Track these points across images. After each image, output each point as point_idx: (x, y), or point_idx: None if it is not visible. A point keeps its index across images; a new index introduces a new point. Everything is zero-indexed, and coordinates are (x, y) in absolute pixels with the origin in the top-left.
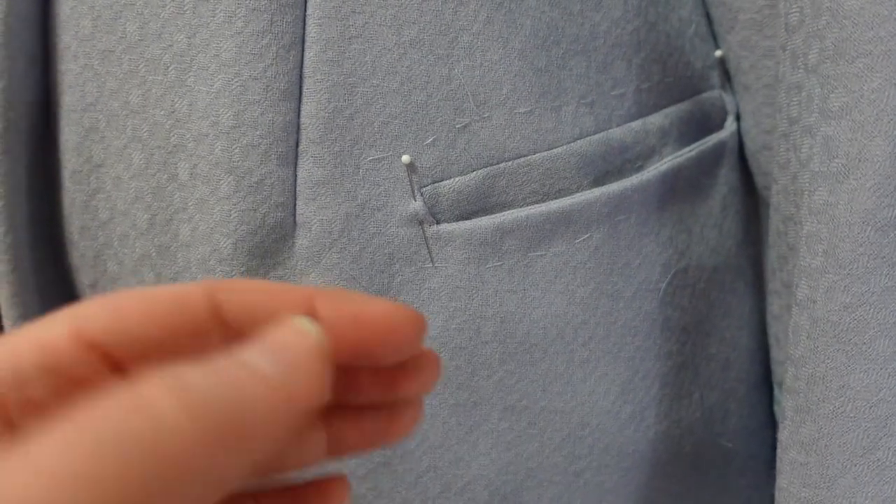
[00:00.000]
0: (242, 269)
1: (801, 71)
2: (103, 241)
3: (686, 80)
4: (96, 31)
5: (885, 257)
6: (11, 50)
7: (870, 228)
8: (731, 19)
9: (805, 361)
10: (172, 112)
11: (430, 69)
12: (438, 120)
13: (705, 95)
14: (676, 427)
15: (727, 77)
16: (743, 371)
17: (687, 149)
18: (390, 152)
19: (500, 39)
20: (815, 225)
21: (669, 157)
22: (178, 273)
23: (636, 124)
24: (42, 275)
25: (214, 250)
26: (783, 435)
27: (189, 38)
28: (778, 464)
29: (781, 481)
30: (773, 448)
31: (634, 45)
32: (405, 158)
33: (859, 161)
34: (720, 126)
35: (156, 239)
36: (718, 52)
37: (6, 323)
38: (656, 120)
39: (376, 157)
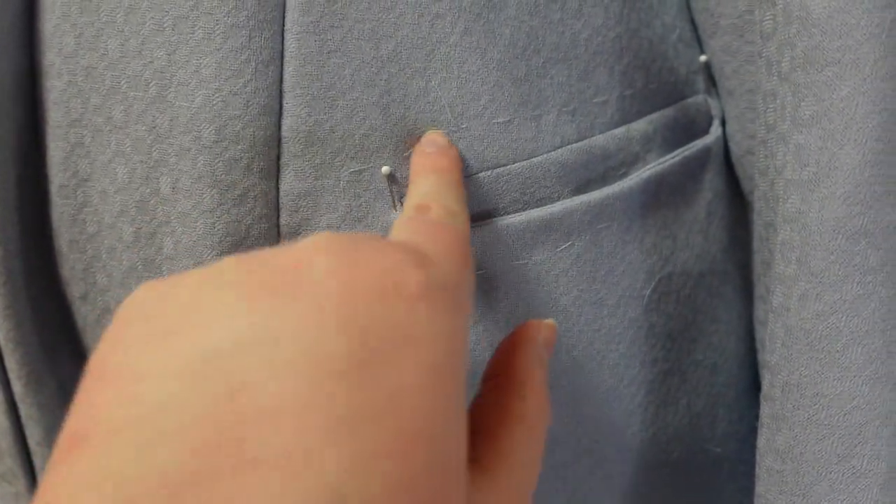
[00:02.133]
0: None
1: (775, 78)
2: (92, 253)
3: (670, 86)
4: (79, 48)
5: (856, 265)
6: (0, 68)
7: (841, 237)
8: (713, 24)
9: (780, 369)
10: (154, 127)
11: (408, 82)
12: (417, 131)
13: (690, 101)
14: (663, 433)
15: (712, 82)
16: (731, 376)
17: (670, 155)
18: (371, 164)
19: (477, 50)
20: (788, 233)
21: (652, 164)
22: None
23: (619, 131)
24: (33, 287)
25: (198, 263)
26: (760, 442)
27: (169, 54)
28: (756, 470)
29: (759, 488)
30: None
31: (616, 52)
32: (385, 169)
33: (830, 169)
34: (706, 131)
35: (141, 252)
36: (703, 57)
37: (0, 334)
38: (640, 126)
39: (357, 168)
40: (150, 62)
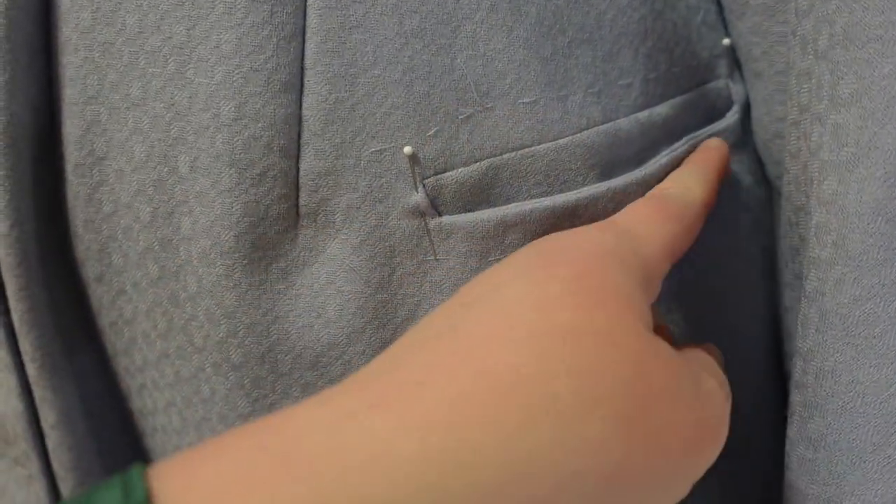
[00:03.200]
0: (244, 261)
1: (810, 57)
2: (108, 233)
3: (693, 70)
4: (96, 23)
5: (895, 248)
6: (14, 42)
7: (880, 219)
8: (743, 5)
9: (813, 355)
10: (172, 104)
11: (433, 59)
12: (441, 111)
13: (710, 86)
14: None
15: (736, 65)
16: (756, 364)
17: (688, 136)
18: (392, 144)
19: (504, 28)
20: (824, 215)
21: (670, 150)
22: (180, 266)
23: (643, 115)
24: (48, 268)
25: (215, 243)
26: (791, 430)
27: (188, 29)
28: (786, 459)
29: (789, 477)
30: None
31: (641, 34)
32: (407, 150)
33: (869, 149)
34: (724, 116)
35: (158, 232)
36: (727, 41)
37: (14, 316)
38: (662, 111)
39: (378, 148)
40: (169, 37)
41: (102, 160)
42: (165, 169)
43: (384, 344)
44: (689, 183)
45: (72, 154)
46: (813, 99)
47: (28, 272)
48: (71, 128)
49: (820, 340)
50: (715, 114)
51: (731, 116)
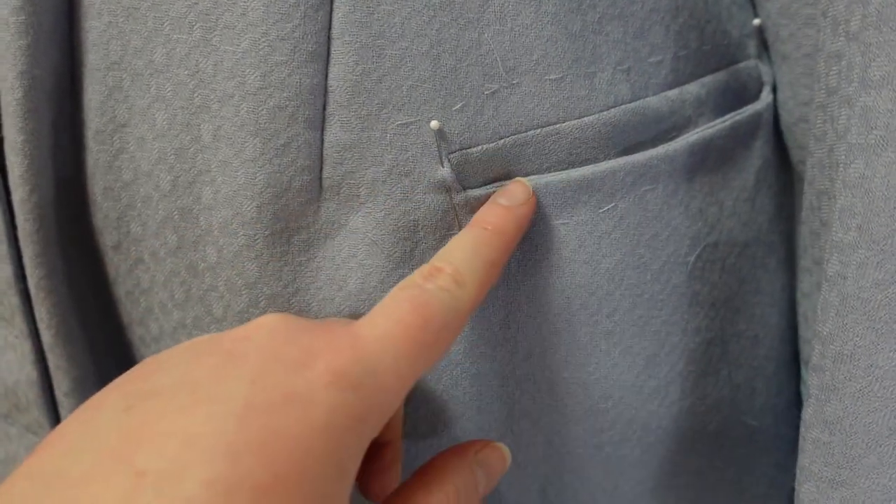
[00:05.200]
0: (266, 231)
1: (841, 39)
2: (127, 202)
3: (723, 49)
4: None
5: None
6: (37, 5)
7: None
8: None
9: (833, 339)
10: (197, 72)
11: (460, 33)
12: (467, 85)
13: (742, 65)
14: (702, 403)
15: (764, 46)
16: (772, 349)
17: (720, 119)
18: (418, 117)
19: (532, 2)
20: (849, 199)
21: (702, 128)
22: (200, 236)
23: (672, 93)
24: (66, 235)
25: (237, 213)
26: (807, 413)
27: None
28: (801, 442)
29: (803, 460)
30: (799, 428)
31: (672, 11)
32: (434, 124)
33: None
34: (756, 97)
35: (178, 201)
36: (756, 21)
37: (30, 282)
38: (693, 89)
39: (404, 121)
40: (195, 3)
41: (123, 127)
42: (188, 137)
43: None
44: (463, 274)
45: (93, 120)
46: (842, 81)
47: (45, 238)
48: (92, 94)
49: (840, 324)
50: (747, 94)
51: (766, 97)
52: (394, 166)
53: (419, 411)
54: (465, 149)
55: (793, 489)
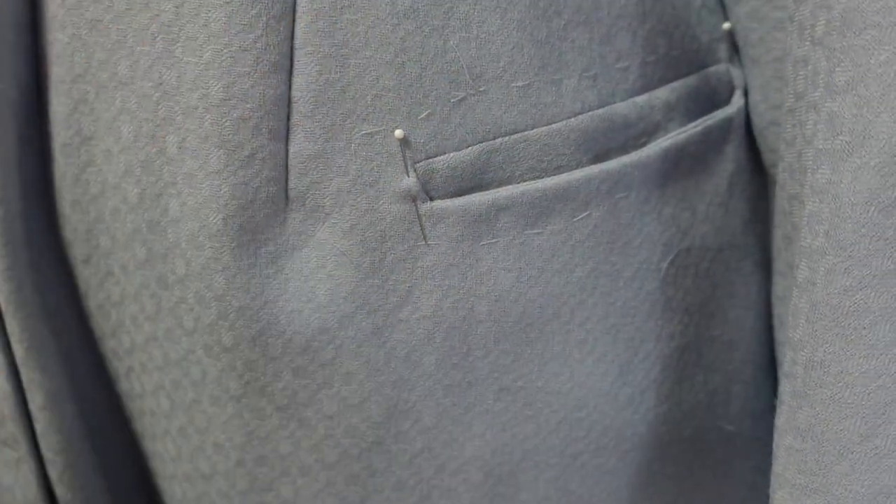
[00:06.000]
0: (233, 244)
1: (807, 43)
2: (95, 215)
3: (692, 54)
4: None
5: (888, 239)
6: (1, 20)
7: (873, 209)
8: None
9: (803, 345)
10: (160, 84)
11: (425, 40)
12: (433, 94)
13: (712, 69)
14: (678, 410)
15: (735, 50)
16: (748, 353)
17: (692, 124)
18: (383, 126)
19: (497, 10)
20: (816, 204)
21: (673, 133)
22: (168, 248)
23: (641, 99)
24: (34, 249)
25: (203, 226)
26: (780, 420)
27: (177, 7)
28: (774, 449)
29: (777, 467)
30: None
31: (639, 16)
32: (398, 133)
33: (864, 138)
34: (727, 101)
35: (146, 214)
36: (727, 25)
37: (0, 297)
38: (662, 94)
39: (369, 131)
40: (157, 15)
41: (90, 140)
42: (154, 150)
43: (375, 329)
44: None
45: (59, 133)
46: (809, 86)
47: (14, 253)
48: (58, 106)
49: (810, 331)
50: (717, 99)
51: (738, 101)
52: (359, 176)
53: (393, 422)
54: (432, 157)
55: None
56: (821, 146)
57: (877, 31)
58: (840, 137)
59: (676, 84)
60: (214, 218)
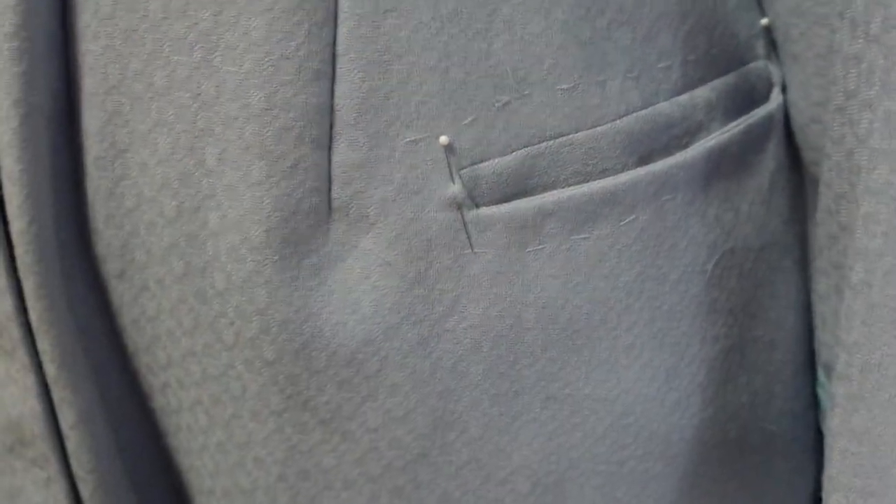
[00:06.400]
0: (276, 256)
1: (860, 40)
2: (130, 229)
3: (731, 51)
4: (117, 9)
5: None
6: (30, 30)
7: None
8: None
9: (859, 348)
10: (199, 94)
11: (469, 44)
12: (478, 98)
13: (751, 66)
14: (722, 412)
15: (772, 47)
16: (788, 352)
17: (734, 123)
18: (428, 133)
19: (541, 10)
20: (873, 205)
21: (716, 133)
22: (207, 262)
23: (683, 98)
24: (66, 264)
25: (245, 238)
26: (833, 422)
27: (215, 15)
28: (827, 452)
29: (831, 470)
30: (816, 431)
31: (680, 15)
32: (443, 140)
33: None
34: (766, 98)
35: (184, 227)
36: (764, 21)
37: (32, 315)
38: (703, 93)
39: (413, 138)
40: (195, 24)
41: (125, 153)
42: (192, 162)
43: (421, 340)
44: None
45: (92, 146)
46: (862, 84)
47: (46, 269)
48: (91, 119)
49: (866, 333)
50: (757, 96)
51: (776, 98)
52: (403, 184)
53: (439, 434)
54: (477, 163)
55: (811, 493)
56: (877, 146)
57: None
58: None
59: (717, 82)
60: (256, 230)
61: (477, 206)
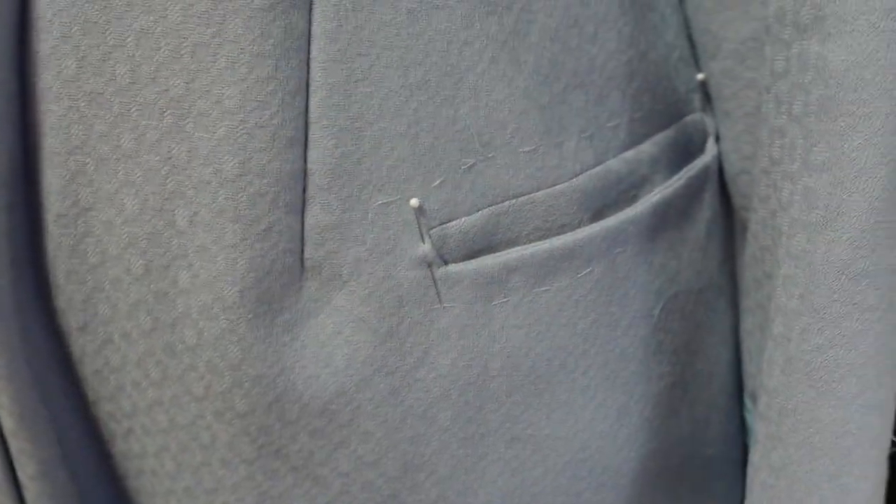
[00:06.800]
0: (249, 315)
1: (784, 117)
2: (93, 285)
3: (672, 106)
4: (82, 72)
5: (857, 304)
6: None
7: (844, 277)
8: (715, 47)
9: (777, 393)
10: (169, 158)
11: (437, 111)
12: (445, 161)
13: (688, 119)
14: (666, 442)
15: (707, 99)
16: (724, 383)
17: (676, 177)
18: (399, 196)
19: (504, 78)
20: (792, 269)
21: (661, 187)
22: (177, 318)
23: (630, 154)
24: (25, 318)
25: (218, 298)
26: (754, 457)
27: (187, 83)
28: (749, 483)
29: (752, 500)
30: (745, 450)
31: (628, 76)
32: (414, 202)
33: (838, 214)
34: (702, 149)
35: (152, 285)
36: (700, 76)
37: None
38: (647, 148)
39: (385, 201)
40: (166, 90)
41: (88, 211)
42: (161, 222)
43: (393, 390)
44: None
45: (53, 204)
46: (785, 157)
47: (4, 324)
48: (52, 177)
49: (784, 381)
50: (693, 147)
51: (712, 148)
52: (376, 245)
53: (409, 476)
54: (445, 223)
55: None
56: (797, 216)
57: (851, 119)
58: (816, 212)
59: (658, 137)
60: (230, 290)
61: (446, 263)
